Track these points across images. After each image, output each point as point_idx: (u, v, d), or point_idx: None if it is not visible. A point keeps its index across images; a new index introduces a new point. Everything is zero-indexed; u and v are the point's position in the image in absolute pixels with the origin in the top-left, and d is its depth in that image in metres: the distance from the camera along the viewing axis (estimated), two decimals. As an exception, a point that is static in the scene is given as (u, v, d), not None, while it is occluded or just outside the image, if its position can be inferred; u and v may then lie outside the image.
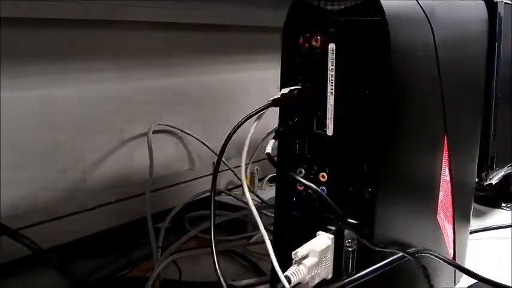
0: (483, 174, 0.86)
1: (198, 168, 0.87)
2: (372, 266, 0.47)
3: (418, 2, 0.50)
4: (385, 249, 0.48)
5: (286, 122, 0.49)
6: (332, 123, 0.47)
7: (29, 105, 0.64)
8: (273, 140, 0.47)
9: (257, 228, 0.46)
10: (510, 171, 0.90)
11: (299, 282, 0.46)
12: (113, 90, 0.73)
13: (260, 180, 0.93)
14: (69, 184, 0.69)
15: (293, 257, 0.45)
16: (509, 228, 0.85)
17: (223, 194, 0.83)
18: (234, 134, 0.47)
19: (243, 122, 0.46)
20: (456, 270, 0.66)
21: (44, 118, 0.66)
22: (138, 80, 0.76)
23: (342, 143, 0.47)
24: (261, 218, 0.47)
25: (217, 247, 0.47)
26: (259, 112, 0.46)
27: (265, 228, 0.46)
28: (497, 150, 0.84)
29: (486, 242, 0.81)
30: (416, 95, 0.51)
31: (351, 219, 0.47)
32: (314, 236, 0.48)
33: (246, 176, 0.82)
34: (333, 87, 0.46)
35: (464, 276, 0.65)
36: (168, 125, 0.81)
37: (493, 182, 0.91)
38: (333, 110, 0.47)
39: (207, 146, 0.84)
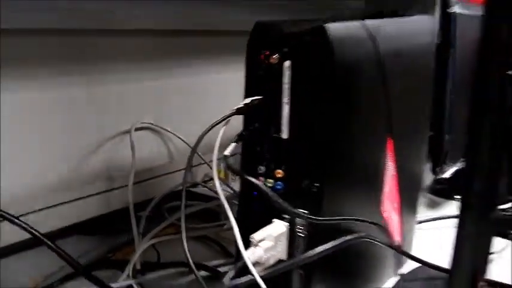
0: (437, 169, 0.95)
1: (177, 162, 0.95)
2: (319, 249, 0.55)
3: (363, 23, 0.59)
4: (332, 235, 0.57)
5: (248, 127, 0.57)
6: (287, 128, 0.55)
7: (18, 106, 0.72)
8: (233, 144, 0.55)
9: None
10: (462, 166, 0.98)
11: (257, 262, 0.54)
12: (101, 92, 0.81)
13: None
14: (61, 176, 0.77)
15: (251, 240, 0.53)
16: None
17: (200, 186, 0.91)
18: (211, 132, 0.55)
19: (212, 128, 0.54)
20: (401, 256, 0.74)
21: (37, 118, 0.73)
22: (128, 82, 0.84)
23: (295, 145, 0.55)
24: (231, 207, 0.54)
25: (188, 233, 0.55)
26: (225, 119, 0.54)
27: (233, 217, 0.54)
28: (450, 147, 0.92)
29: (436, 231, 0.87)
30: (360, 102, 0.59)
31: (303, 209, 0.56)
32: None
33: (219, 170, 0.90)
34: (288, 97, 0.55)
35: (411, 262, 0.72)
36: (149, 123, 0.89)
37: (447, 176, 0.99)
38: (287, 117, 0.55)
39: (184, 141, 0.91)
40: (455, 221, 0.54)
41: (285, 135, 0.56)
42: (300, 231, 0.56)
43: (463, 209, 0.53)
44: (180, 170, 0.93)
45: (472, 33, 0.65)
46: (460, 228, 0.54)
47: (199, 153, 0.88)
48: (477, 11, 0.88)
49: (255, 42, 0.57)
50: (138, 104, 0.86)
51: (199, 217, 0.85)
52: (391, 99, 0.65)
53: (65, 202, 0.77)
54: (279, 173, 0.57)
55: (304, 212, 0.54)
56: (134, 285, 0.65)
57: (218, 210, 0.84)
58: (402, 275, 0.73)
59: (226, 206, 0.53)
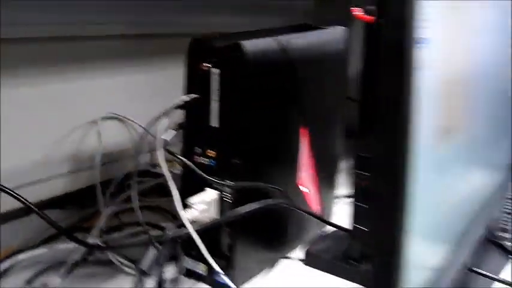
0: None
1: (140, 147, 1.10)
2: (238, 210, 0.72)
3: (276, 38, 0.76)
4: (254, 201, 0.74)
5: (188, 117, 0.75)
6: (216, 118, 0.73)
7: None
8: (172, 131, 0.72)
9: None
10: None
11: (194, 222, 0.71)
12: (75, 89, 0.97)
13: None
14: (41, 158, 0.93)
15: (187, 203, 0.70)
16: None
17: (157, 166, 1.07)
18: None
19: (158, 119, 0.71)
20: (319, 222, 0.92)
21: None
22: (96, 78, 1.00)
23: (222, 132, 0.73)
24: (176, 182, 0.71)
25: (144, 203, 0.72)
26: (168, 112, 0.71)
27: (174, 185, 0.71)
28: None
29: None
30: (272, 99, 0.76)
31: (231, 181, 0.73)
32: (206, 191, 0.74)
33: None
34: (217, 96, 0.72)
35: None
36: (114, 113, 1.05)
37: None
38: (217, 110, 0.72)
39: (144, 128, 1.07)
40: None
41: (215, 124, 0.73)
42: (227, 198, 0.73)
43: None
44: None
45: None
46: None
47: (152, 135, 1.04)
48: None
49: (192, 53, 0.73)
50: (106, 98, 1.03)
51: (157, 193, 1.01)
52: (304, 97, 0.82)
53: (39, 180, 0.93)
54: (211, 153, 0.74)
55: (222, 181, 0.72)
56: (99, 243, 0.81)
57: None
58: (318, 235, 0.91)
59: (168, 175, 0.70)
